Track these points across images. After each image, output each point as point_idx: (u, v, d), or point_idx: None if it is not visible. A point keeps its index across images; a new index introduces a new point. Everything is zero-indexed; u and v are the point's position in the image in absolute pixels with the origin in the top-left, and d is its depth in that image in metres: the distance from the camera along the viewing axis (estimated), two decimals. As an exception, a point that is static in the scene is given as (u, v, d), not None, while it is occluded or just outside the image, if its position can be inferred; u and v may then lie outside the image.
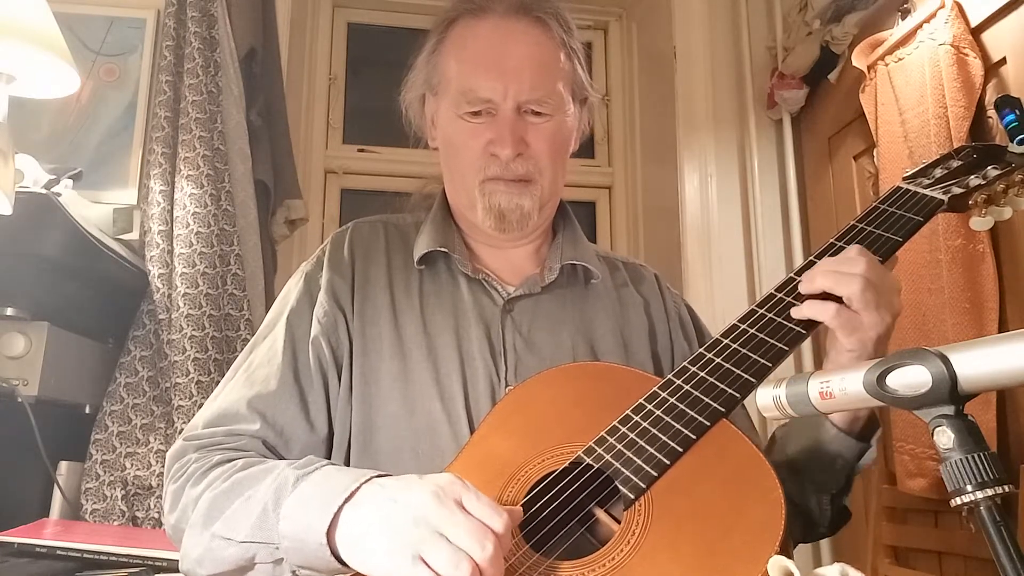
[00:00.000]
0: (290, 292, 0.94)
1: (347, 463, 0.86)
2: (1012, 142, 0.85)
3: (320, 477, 0.69)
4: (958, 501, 0.50)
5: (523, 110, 0.90)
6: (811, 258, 0.81)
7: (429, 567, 0.58)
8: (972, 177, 0.84)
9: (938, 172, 0.88)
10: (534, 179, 0.91)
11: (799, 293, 0.78)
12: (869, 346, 0.75)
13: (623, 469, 0.68)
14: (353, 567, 0.64)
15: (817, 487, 0.84)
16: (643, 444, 0.70)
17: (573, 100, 0.95)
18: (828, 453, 0.82)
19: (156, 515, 1.61)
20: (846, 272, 0.75)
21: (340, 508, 0.65)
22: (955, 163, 0.89)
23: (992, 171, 0.84)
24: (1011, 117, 0.84)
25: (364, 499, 0.65)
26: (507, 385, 0.87)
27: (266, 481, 0.71)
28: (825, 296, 0.76)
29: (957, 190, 0.84)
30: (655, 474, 0.67)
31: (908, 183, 0.87)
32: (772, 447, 0.90)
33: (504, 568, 0.60)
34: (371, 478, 0.67)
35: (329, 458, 0.87)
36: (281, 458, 0.82)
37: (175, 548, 0.79)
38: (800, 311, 0.76)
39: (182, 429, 0.87)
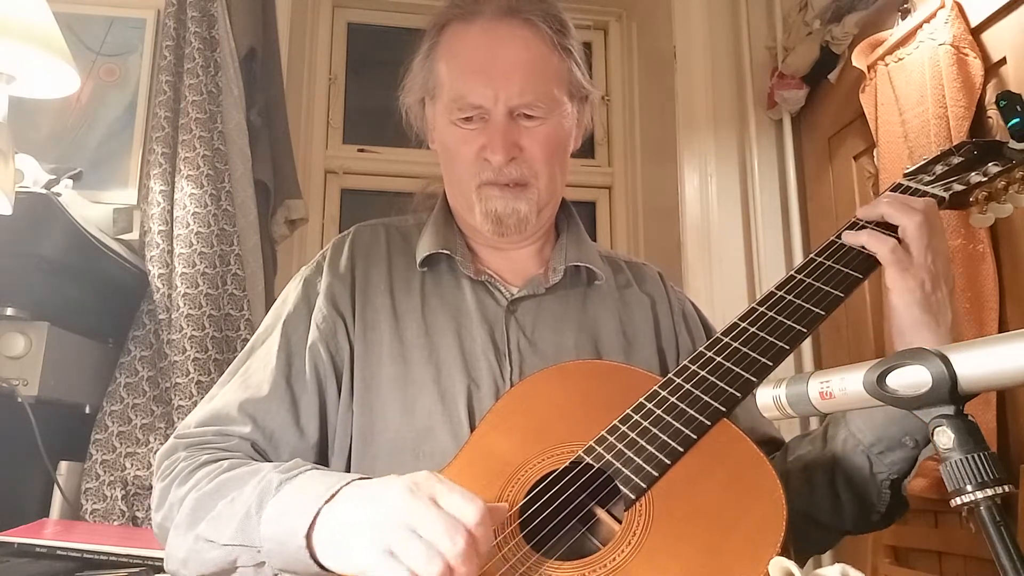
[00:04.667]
0: (287, 297, 0.94)
1: (348, 468, 0.86)
2: (1012, 139, 0.85)
3: (303, 481, 0.69)
4: (958, 501, 0.50)
5: (515, 114, 0.89)
6: (812, 256, 0.81)
7: (401, 562, 0.59)
8: (973, 174, 0.84)
9: (939, 168, 0.88)
10: (529, 183, 0.91)
11: (806, 288, 0.78)
12: (917, 293, 0.77)
13: (624, 469, 0.68)
14: (331, 568, 0.65)
15: (882, 468, 0.78)
16: (644, 443, 0.70)
17: (571, 99, 0.94)
18: (897, 430, 0.77)
19: (156, 515, 1.61)
20: (909, 205, 0.79)
21: (319, 511, 0.65)
22: (956, 159, 0.88)
23: (993, 167, 0.84)
24: (1016, 121, 0.84)
25: (342, 501, 0.65)
26: (511, 386, 0.87)
27: (251, 483, 0.72)
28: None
29: (958, 187, 0.84)
30: (656, 474, 0.67)
31: (909, 180, 0.87)
32: (832, 421, 0.84)
33: (480, 560, 0.60)
34: (351, 481, 0.67)
35: (325, 463, 0.87)
36: (269, 461, 0.82)
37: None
38: (857, 238, 0.80)
39: (180, 429, 0.87)
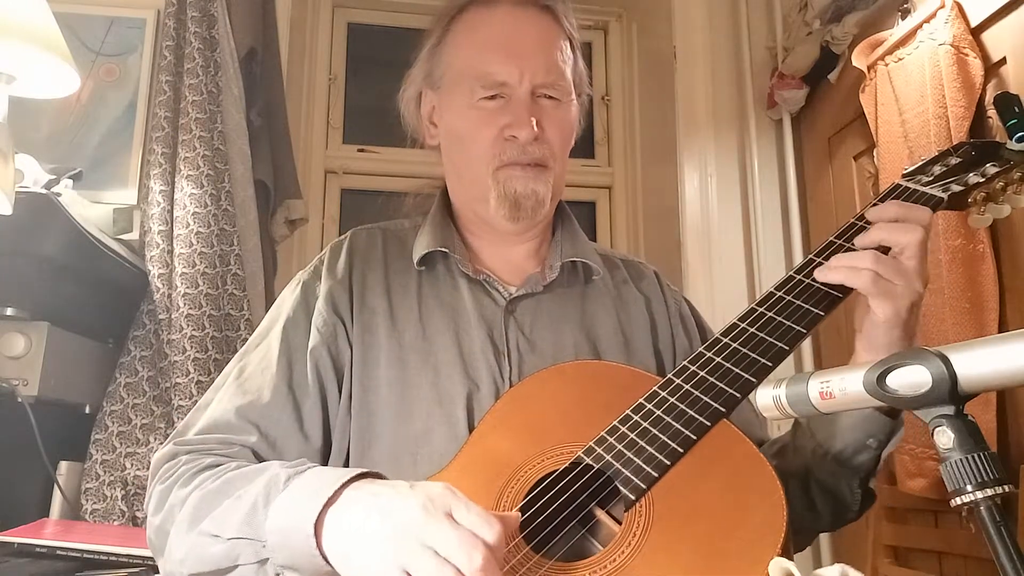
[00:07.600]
0: (285, 301, 0.93)
1: None
2: (1011, 139, 0.85)
3: (312, 475, 0.68)
4: (958, 501, 0.50)
5: (537, 94, 0.91)
6: (811, 256, 0.81)
7: None
8: (971, 175, 0.84)
9: (937, 169, 0.88)
10: (549, 165, 0.92)
11: (805, 288, 0.77)
12: (903, 314, 0.75)
13: (623, 470, 0.68)
14: (338, 569, 0.63)
15: (850, 471, 0.81)
16: (643, 444, 0.70)
17: (576, 94, 0.96)
18: (861, 434, 0.80)
19: (156, 515, 1.61)
20: (909, 220, 0.76)
21: (330, 499, 0.63)
22: (954, 160, 0.88)
23: (991, 168, 0.84)
24: (1013, 121, 0.84)
25: (354, 499, 0.64)
26: (511, 386, 0.87)
27: (258, 481, 0.70)
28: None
29: (956, 188, 0.84)
30: (656, 475, 0.67)
31: (907, 180, 0.87)
32: (798, 432, 0.86)
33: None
34: (363, 474, 0.66)
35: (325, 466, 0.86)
36: None
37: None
38: (828, 275, 0.76)
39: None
